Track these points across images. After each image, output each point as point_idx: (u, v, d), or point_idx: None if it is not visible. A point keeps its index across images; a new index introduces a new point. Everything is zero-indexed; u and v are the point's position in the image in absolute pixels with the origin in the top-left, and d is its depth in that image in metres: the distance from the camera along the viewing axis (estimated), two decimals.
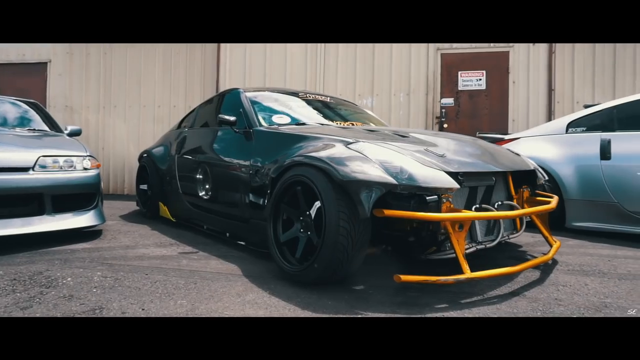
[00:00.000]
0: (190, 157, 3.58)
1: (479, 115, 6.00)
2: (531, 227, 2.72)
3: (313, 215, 2.14)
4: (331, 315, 1.80)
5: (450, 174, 2.07)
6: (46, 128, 4.01)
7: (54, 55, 7.09)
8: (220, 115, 2.97)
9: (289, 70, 6.45)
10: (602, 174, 3.40)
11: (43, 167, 2.97)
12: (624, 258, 2.77)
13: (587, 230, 3.50)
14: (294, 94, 3.61)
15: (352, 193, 1.95)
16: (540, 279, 2.32)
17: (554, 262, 2.66)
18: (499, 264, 2.40)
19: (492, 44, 5.93)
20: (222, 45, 6.53)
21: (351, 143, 2.23)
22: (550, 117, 5.82)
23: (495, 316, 1.80)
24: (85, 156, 3.23)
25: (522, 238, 3.28)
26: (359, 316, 1.80)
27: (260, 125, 2.93)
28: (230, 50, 6.55)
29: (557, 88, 5.84)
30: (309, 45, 6.37)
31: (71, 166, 3.11)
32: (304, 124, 3.03)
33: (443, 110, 6.07)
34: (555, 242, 2.60)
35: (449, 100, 6.06)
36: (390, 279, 2.26)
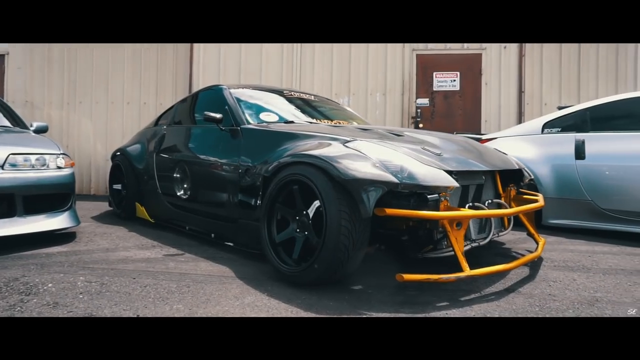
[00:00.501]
0: (170, 156, 3.45)
1: (453, 115, 6.12)
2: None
3: (311, 215, 2.10)
4: (337, 316, 1.77)
5: (447, 172, 2.09)
6: (9, 124, 3.76)
7: (12, 47, 6.68)
8: (206, 112, 2.88)
9: (265, 69, 6.36)
10: (577, 173, 3.53)
11: (13, 165, 2.78)
12: (602, 254, 2.89)
13: (562, 227, 3.63)
14: (278, 91, 3.55)
15: (354, 192, 1.93)
16: (531, 276, 2.37)
17: (540, 258, 2.74)
18: (486, 262, 2.45)
19: (465, 45, 6.07)
20: (196, 45, 6.36)
21: (349, 141, 2.21)
22: (520, 118, 6.02)
23: (497, 313, 1.83)
24: (59, 154, 3.05)
25: (504, 236, 3.36)
26: (364, 316, 1.78)
27: (248, 123, 2.85)
28: (204, 50, 6.39)
29: (526, 90, 6.05)
30: (285, 45, 6.31)
31: (44, 165, 2.93)
32: (292, 122, 2.98)
33: (418, 110, 6.16)
34: (541, 239, 2.67)
35: (424, 101, 6.16)
36: (387, 277, 2.27)
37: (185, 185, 3.24)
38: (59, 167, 3.00)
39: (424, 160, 2.10)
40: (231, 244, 2.78)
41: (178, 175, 3.31)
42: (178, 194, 3.29)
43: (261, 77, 6.35)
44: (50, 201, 2.97)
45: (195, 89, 6.32)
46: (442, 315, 1.81)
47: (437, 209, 2.04)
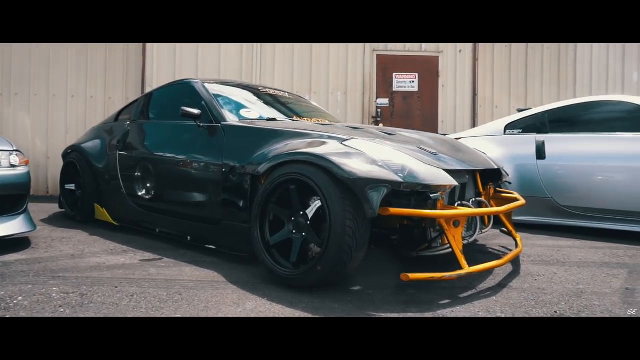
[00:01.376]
0: (137, 154, 3.22)
1: (412, 116, 6.28)
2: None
3: (310, 216, 2.04)
4: (350, 317, 1.72)
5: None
6: None
7: None
8: (183, 108, 2.71)
9: (224, 69, 6.14)
10: (538, 172, 3.75)
11: None
12: (569, 248, 3.08)
13: (524, 223, 3.83)
14: (253, 87, 3.44)
15: (359, 192, 1.89)
16: (515, 271, 2.47)
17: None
18: (466, 259, 2.46)
19: (423, 47, 6.25)
20: (149, 45, 6.00)
21: (346, 140, 2.17)
22: (474, 119, 6.30)
23: (499, 309, 1.87)
24: (12, 151, 2.75)
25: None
26: (375, 317, 1.76)
27: (229, 119, 2.72)
28: (158, 50, 6.03)
29: (479, 93, 6.34)
30: (245, 44, 6.13)
31: None
32: (274, 119, 2.89)
33: (379, 110, 6.25)
34: (517, 235, 2.79)
35: (384, 101, 6.26)
36: (382, 277, 2.27)
37: (155, 185, 3.03)
38: (12, 166, 2.70)
39: (424, 160, 2.11)
40: (212, 247, 2.64)
41: (147, 175, 3.09)
42: (147, 194, 3.08)
43: (220, 77, 6.13)
44: (1, 203, 2.66)
45: (148, 84, 5.98)
46: (449, 312, 1.82)
47: (435, 208, 2.06)
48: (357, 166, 1.94)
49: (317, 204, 2.01)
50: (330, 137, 2.23)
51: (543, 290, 2.14)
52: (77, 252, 2.68)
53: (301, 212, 2.09)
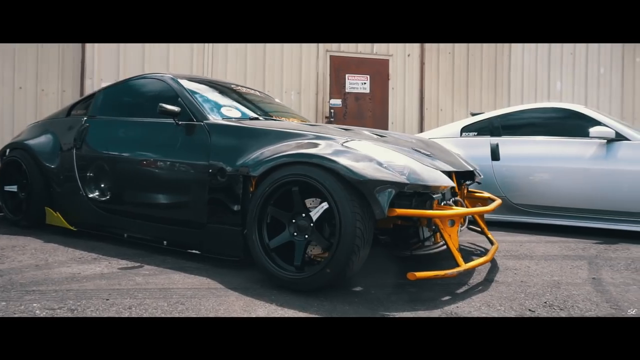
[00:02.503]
0: (99, 153, 2.97)
1: (364, 116, 6.43)
2: None
3: (315, 218, 2.02)
4: (368, 317, 1.74)
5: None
6: None
7: None
8: (161, 105, 2.54)
9: (173, 65, 5.85)
10: (494, 173, 4.02)
11: None
12: (529, 242, 3.34)
13: None
14: (225, 85, 3.32)
15: (367, 193, 1.91)
16: (494, 266, 2.63)
17: (486, 249, 3.05)
18: (444, 256, 2.55)
19: (375, 50, 6.42)
20: (88, 45, 5.52)
21: (347, 141, 2.17)
22: (421, 121, 6.60)
23: (497, 303, 1.99)
24: None
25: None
26: (390, 316, 1.78)
27: (212, 118, 2.61)
28: (99, 50, 5.58)
29: (426, 96, 6.66)
30: (196, 44, 5.88)
31: None
32: (257, 118, 2.81)
33: (332, 110, 6.32)
34: (489, 233, 2.97)
35: (337, 102, 6.34)
36: (378, 276, 2.31)
37: (122, 187, 2.82)
38: None
39: (422, 161, 2.18)
40: (196, 252, 2.51)
41: (112, 175, 2.86)
42: (112, 196, 2.85)
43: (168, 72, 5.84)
44: None
45: (89, 76, 5.52)
46: (454, 308, 1.90)
47: (432, 208, 2.14)
48: (364, 168, 1.95)
49: (323, 205, 1.99)
50: (327, 138, 2.22)
51: (526, 283, 2.30)
52: (40, 262, 2.41)
53: (303, 214, 2.06)
